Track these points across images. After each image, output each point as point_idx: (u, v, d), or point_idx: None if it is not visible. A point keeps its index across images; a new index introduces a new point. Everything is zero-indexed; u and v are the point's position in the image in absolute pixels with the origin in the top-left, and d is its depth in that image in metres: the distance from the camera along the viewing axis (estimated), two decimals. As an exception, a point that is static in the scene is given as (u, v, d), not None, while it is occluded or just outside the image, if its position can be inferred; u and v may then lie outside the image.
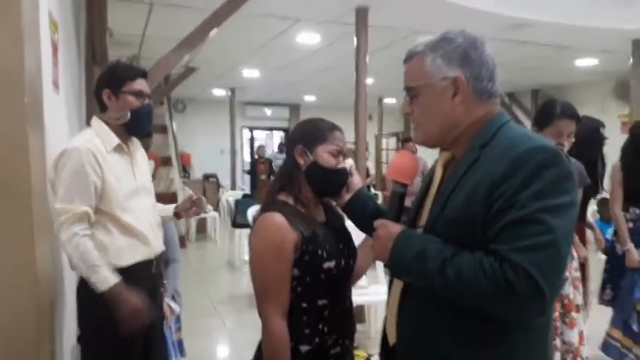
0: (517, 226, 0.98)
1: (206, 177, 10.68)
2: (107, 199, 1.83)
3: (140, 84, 1.94)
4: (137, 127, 1.97)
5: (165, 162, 8.17)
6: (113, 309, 1.75)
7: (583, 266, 2.70)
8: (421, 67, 1.15)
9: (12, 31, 0.93)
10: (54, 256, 1.82)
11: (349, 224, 1.56)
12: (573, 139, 2.55)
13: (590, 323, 3.00)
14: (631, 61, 5.49)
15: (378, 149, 11.78)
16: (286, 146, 1.52)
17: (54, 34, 2.16)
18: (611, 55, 6.20)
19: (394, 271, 1.18)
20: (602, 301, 3.36)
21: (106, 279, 1.76)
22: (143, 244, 1.90)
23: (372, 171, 9.56)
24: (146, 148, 6.35)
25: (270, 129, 12.86)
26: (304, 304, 1.39)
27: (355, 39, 4.39)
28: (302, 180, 1.45)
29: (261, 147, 10.50)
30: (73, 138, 1.94)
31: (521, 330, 1.07)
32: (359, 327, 4.30)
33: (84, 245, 1.75)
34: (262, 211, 1.42)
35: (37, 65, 1.15)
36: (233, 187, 9.65)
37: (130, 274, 1.85)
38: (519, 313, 1.00)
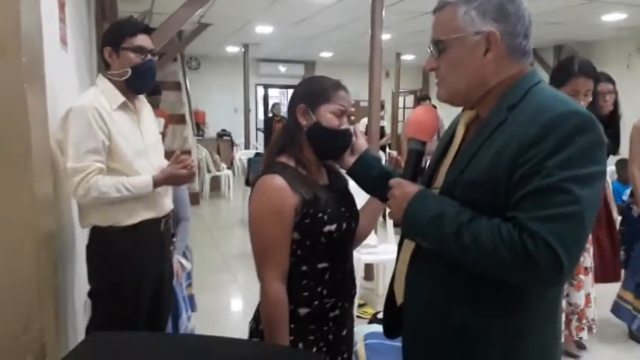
0: (542, 194, 0.94)
1: (220, 135, 10.68)
2: (115, 157, 1.84)
3: (141, 40, 1.91)
4: (139, 84, 1.95)
5: (179, 120, 8.17)
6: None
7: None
8: (453, 19, 1.06)
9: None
10: (60, 216, 1.85)
11: (352, 186, 1.52)
12: (591, 98, 2.48)
13: (601, 285, 3.00)
14: (660, 15, 5.26)
15: (395, 107, 11.61)
16: (288, 105, 1.47)
17: (60, -10, 2.12)
18: (638, 10, 5.93)
19: (408, 232, 1.15)
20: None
21: (145, 183, 1.86)
22: (151, 203, 1.92)
23: (388, 130, 9.44)
24: (155, 105, 6.41)
25: (285, 87, 12.71)
26: (304, 268, 1.38)
27: (371, -7, 4.24)
28: (304, 141, 1.41)
29: (276, 105, 10.39)
30: (80, 96, 1.94)
31: (536, 298, 1.06)
32: (368, 284, 4.40)
33: (102, 181, 1.79)
34: (262, 172, 1.39)
35: (36, 23, 1.12)
36: (247, 145, 9.64)
37: (137, 231, 1.89)
38: (536, 282, 0.98)
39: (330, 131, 1.39)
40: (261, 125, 12.22)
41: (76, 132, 1.76)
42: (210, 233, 6.00)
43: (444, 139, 1.25)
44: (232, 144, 10.31)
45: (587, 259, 2.61)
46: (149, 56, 1.93)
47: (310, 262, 1.39)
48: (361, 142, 1.47)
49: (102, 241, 1.89)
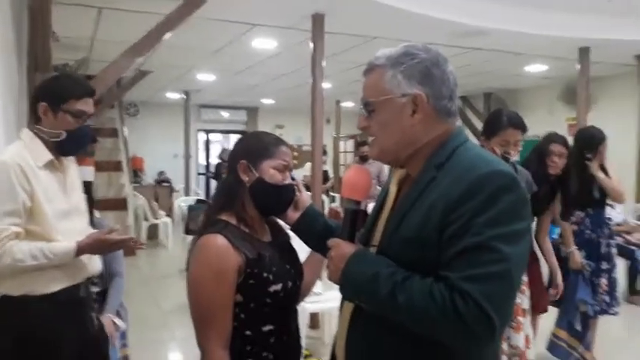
0: (470, 254, 0.95)
1: (158, 182, 10.38)
2: (36, 218, 1.69)
3: (85, 104, 1.79)
4: (71, 148, 1.83)
5: (116, 167, 7.90)
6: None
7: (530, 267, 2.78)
8: (381, 81, 1.11)
9: None
10: None
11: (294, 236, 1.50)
12: (521, 148, 2.62)
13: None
14: (578, 67, 5.71)
15: (337, 151, 11.81)
16: (228, 162, 1.43)
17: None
18: (559, 62, 6.42)
19: (345, 293, 1.13)
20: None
21: (66, 250, 1.69)
22: (71, 268, 1.77)
23: (331, 174, 9.55)
24: (91, 154, 6.10)
25: (228, 132, 12.66)
26: (248, 332, 1.32)
27: (311, 45, 4.36)
28: (246, 198, 1.37)
29: (225, 150, 10.30)
30: (2, 150, 1.80)
31: (472, 355, 1.06)
32: (313, 333, 4.31)
33: (18, 248, 1.63)
34: (202, 232, 1.32)
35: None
36: (187, 192, 9.41)
37: (54, 300, 1.73)
38: (468, 342, 0.98)
39: (274, 187, 1.36)
40: (202, 170, 12.03)
41: None
42: (148, 286, 5.72)
43: (380, 195, 1.27)
44: (171, 190, 10.03)
45: (525, 300, 2.68)
46: (87, 121, 1.80)
47: (254, 326, 1.32)
48: (304, 198, 1.46)
49: (11, 312, 1.70)
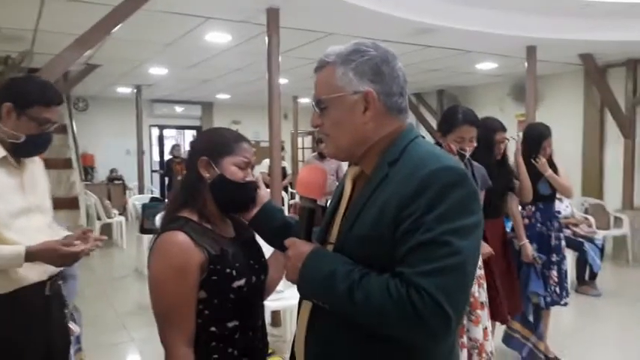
0: (423, 249, 0.97)
1: (110, 179, 10.08)
2: None
3: (51, 112, 1.75)
4: (28, 152, 1.79)
5: (65, 164, 7.59)
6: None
7: (487, 263, 2.84)
8: (331, 79, 1.12)
9: None
10: None
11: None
12: (475, 144, 2.68)
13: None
14: (526, 65, 5.91)
15: (295, 148, 11.79)
16: (188, 158, 1.42)
17: None
18: (508, 60, 6.63)
19: (303, 292, 1.13)
20: None
21: (14, 255, 1.62)
22: (33, 266, 1.71)
23: (289, 170, 9.53)
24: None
25: (182, 127, 12.41)
26: (213, 328, 1.31)
27: (267, 39, 4.32)
28: (207, 194, 1.36)
29: (176, 146, 10.09)
30: None
31: (429, 350, 1.07)
32: (275, 331, 4.30)
33: None
34: (162, 229, 1.31)
35: None
36: (141, 189, 9.16)
37: (16, 299, 1.68)
38: (425, 336, 0.99)
39: (236, 184, 1.36)
40: (156, 167, 11.76)
41: None
42: (102, 287, 5.55)
43: (336, 192, 1.28)
44: (124, 188, 9.76)
45: (482, 293, 2.75)
46: (50, 128, 1.77)
47: (219, 322, 1.32)
48: (263, 193, 1.46)
49: None
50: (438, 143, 2.81)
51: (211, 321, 1.31)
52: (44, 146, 1.81)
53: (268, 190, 5.30)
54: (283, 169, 8.38)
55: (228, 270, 1.31)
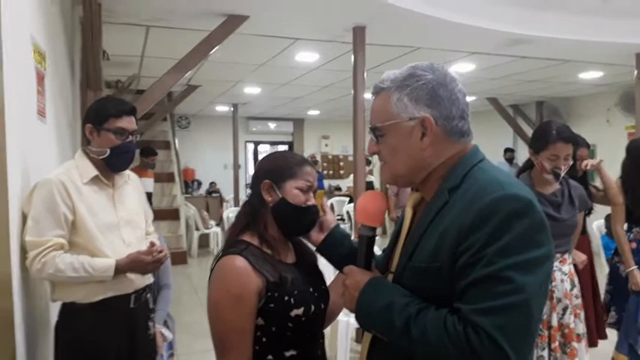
0: (483, 285, 0.91)
1: (209, 192, 10.67)
2: (79, 231, 1.81)
3: (125, 121, 1.93)
4: (116, 164, 1.96)
5: (168, 178, 8.19)
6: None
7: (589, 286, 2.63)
8: (387, 105, 1.09)
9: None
10: (25, 299, 1.79)
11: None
12: (571, 162, 2.50)
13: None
14: (635, 73, 5.41)
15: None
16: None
17: (39, 64, 2.15)
18: (614, 68, 6.12)
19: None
20: (606, 324, 3.27)
21: (105, 267, 1.78)
22: (120, 279, 1.87)
23: (377, 185, 9.48)
24: (151, 167, 6.40)
25: (276, 143, 12.84)
26: (270, 357, 1.29)
27: (352, 57, 4.37)
28: (268, 218, 1.35)
29: (263, 161, 10.42)
30: (54, 170, 1.93)
31: None
32: (359, 347, 4.24)
33: (60, 259, 1.74)
34: (223, 253, 1.30)
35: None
36: (236, 202, 9.59)
37: (99, 309, 1.83)
38: None
39: (297, 208, 1.34)
40: (251, 181, 12.24)
41: (37, 205, 1.75)
42: (198, 295, 5.85)
43: (399, 220, 1.24)
44: (221, 200, 10.27)
45: (579, 325, 2.55)
46: (130, 137, 1.94)
47: (276, 351, 1.29)
48: (330, 219, 1.44)
49: (66, 316, 1.85)
50: (530, 161, 2.66)
51: (268, 349, 1.29)
52: (128, 156, 1.97)
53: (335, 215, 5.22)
54: (369, 183, 8.37)
55: (286, 298, 1.28)
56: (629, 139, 7.26)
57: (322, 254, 1.43)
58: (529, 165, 2.68)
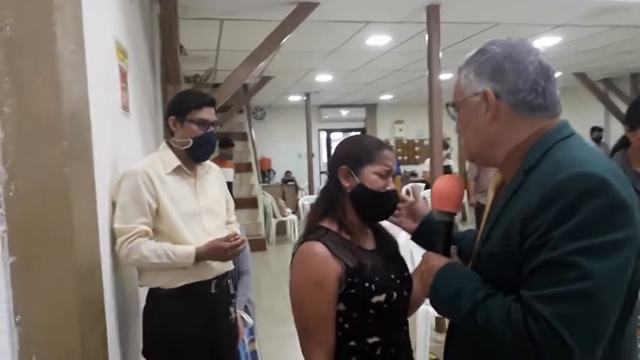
0: (547, 270, 0.86)
1: (284, 181, 10.88)
2: (163, 219, 1.89)
3: (205, 112, 1.99)
4: (199, 154, 2.02)
5: (246, 168, 8.45)
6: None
7: None
8: (458, 83, 1.10)
9: (47, 75, 0.95)
10: (114, 285, 1.89)
11: (405, 242, 1.46)
12: None
13: None
14: None
15: (461, 144, 11.34)
16: (329, 167, 1.42)
17: (122, 62, 2.25)
18: None
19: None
20: None
21: (187, 254, 1.86)
22: (193, 268, 1.92)
23: (455, 169, 9.20)
24: (229, 157, 6.58)
25: (348, 130, 12.82)
26: (352, 343, 1.28)
27: (427, 36, 4.22)
28: (347, 204, 1.34)
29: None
30: (139, 161, 2.03)
31: None
32: (439, 336, 4.16)
33: (145, 246, 1.82)
34: (303, 239, 1.32)
35: (81, 102, 1.17)
36: (311, 190, 9.71)
37: (183, 295, 1.91)
38: None
39: (376, 193, 1.32)
40: (324, 169, 12.34)
41: (124, 194, 1.85)
42: (276, 280, 5.99)
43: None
44: (297, 189, 10.44)
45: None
46: (210, 128, 2.01)
47: (359, 337, 1.28)
48: (422, 206, 1.42)
49: (152, 302, 1.94)
50: (625, 138, 2.43)
51: (351, 335, 1.28)
52: (210, 146, 2.03)
53: (427, 198, 5.07)
54: (448, 167, 8.12)
55: (367, 284, 1.26)
56: None
57: (418, 243, 1.42)
58: (624, 143, 2.45)
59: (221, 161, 5.89)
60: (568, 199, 0.86)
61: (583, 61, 7.02)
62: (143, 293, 2.05)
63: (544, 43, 5.70)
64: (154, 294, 1.95)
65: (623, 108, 8.35)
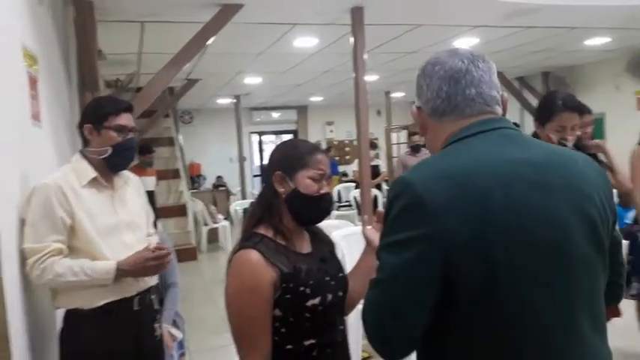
0: None
1: (215, 186, 10.65)
2: (78, 234, 1.77)
3: (124, 118, 1.90)
4: (118, 163, 1.92)
5: (174, 174, 8.16)
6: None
7: None
8: None
9: None
10: (24, 308, 1.74)
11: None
12: (578, 132, 2.40)
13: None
14: (643, 37, 5.28)
15: (389, 144, 11.61)
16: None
17: (31, 68, 2.10)
18: (623, 32, 5.96)
19: None
20: (628, 296, 3.19)
21: (106, 270, 1.74)
22: (115, 284, 1.82)
23: (384, 168, 9.39)
24: (149, 165, 6.28)
25: (280, 132, 12.77)
26: (289, 346, 1.30)
27: (352, 39, 4.27)
28: (283, 209, 1.35)
29: (273, 151, 10.37)
30: (51, 174, 1.89)
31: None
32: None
33: (59, 264, 1.70)
34: (238, 247, 1.32)
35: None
36: (243, 195, 9.55)
37: (103, 314, 1.79)
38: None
39: (311, 197, 1.34)
40: (257, 172, 12.23)
41: (34, 211, 1.72)
42: (209, 290, 5.83)
43: None
44: (228, 194, 10.24)
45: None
46: (130, 134, 1.92)
47: (295, 340, 1.30)
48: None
49: (70, 323, 1.82)
50: (535, 134, 2.57)
51: (287, 339, 1.30)
52: (130, 153, 1.95)
53: (356, 197, 5.07)
54: (376, 167, 8.27)
55: (301, 288, 1.29)
56: (638, 105, 7.14)
57: None
58: (535, 137, 2.58)
59: (140, 170, 5.59)
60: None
61: (499, 60, 7.38)
62: (60, 315, 1.91)
63: (463, 43, 5.95)
64: (72, 315, 1.82)
65: (536, 104, 8.88)
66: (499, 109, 1.08)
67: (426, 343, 0.98)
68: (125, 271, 1.78)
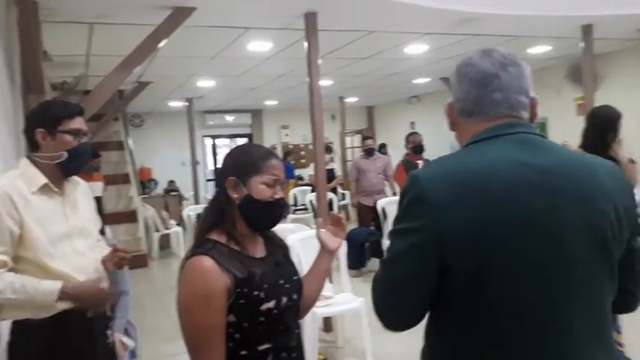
0: None
1: (167, 191, 10.41)
2: (27, 244, 1.70)
3: (78, 122, 1.85)
4: (73, 167, 1.87)
5: (123, 179, 7.92)
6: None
7: None
8: None
9: None
10: None
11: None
12: None
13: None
14: (582, 45, 5.57)
15: (344, 148, 11.75)
16: (216, 178, 1.41)
17: (-31, 70, 2.01)
18: (562, 41, 6.28)
19: None
20: None
21: (49, 291, 1.68)
22: None
23: (339, 172, 9.49)
24: (96, 170, 6.03)
25: (234, 136, 12.66)
26: (244, 352, 1.29)
27: (306, 43, 4.30)
28: (236, 215, 1.35)
29: (227, 155, 10.26)
30: None
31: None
32: (327, 336, 4.26)
33: (1, 278, 1.62)
34: (191, 253, 1.30)
35: None
36: (196, 199, 9.38)
37: (57, 323, 1.73)
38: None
39: (264, 203, 1.34)
40: (211, 176, 12.06)
41: None
42: (161, 298, 5.70)
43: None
44: (181, 199, 10.04)
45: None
46: (84, 138, 1.87)
47: (250, 346, 1.30)
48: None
49: (20, 334, 1.74)
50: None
51: (242, 345, 1.29)
52: (85, 157, 1.90)
53: (313, 200, 5.09)
54: (331, 170, 8.35)
55: (255, 292, 1.28)
56: (577, 110, 7.52)
57: None
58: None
59: (87, 175, 5.40)
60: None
61: (449, 67, 7.62)
62: (5, 326, 1.83)
63: (413, 50, 6.11)
64: (21, 326, 1.74)
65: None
66: (525, 114, 1.11)
67: (429, 321, 1.10)
68: (69, 296, 1.71)
